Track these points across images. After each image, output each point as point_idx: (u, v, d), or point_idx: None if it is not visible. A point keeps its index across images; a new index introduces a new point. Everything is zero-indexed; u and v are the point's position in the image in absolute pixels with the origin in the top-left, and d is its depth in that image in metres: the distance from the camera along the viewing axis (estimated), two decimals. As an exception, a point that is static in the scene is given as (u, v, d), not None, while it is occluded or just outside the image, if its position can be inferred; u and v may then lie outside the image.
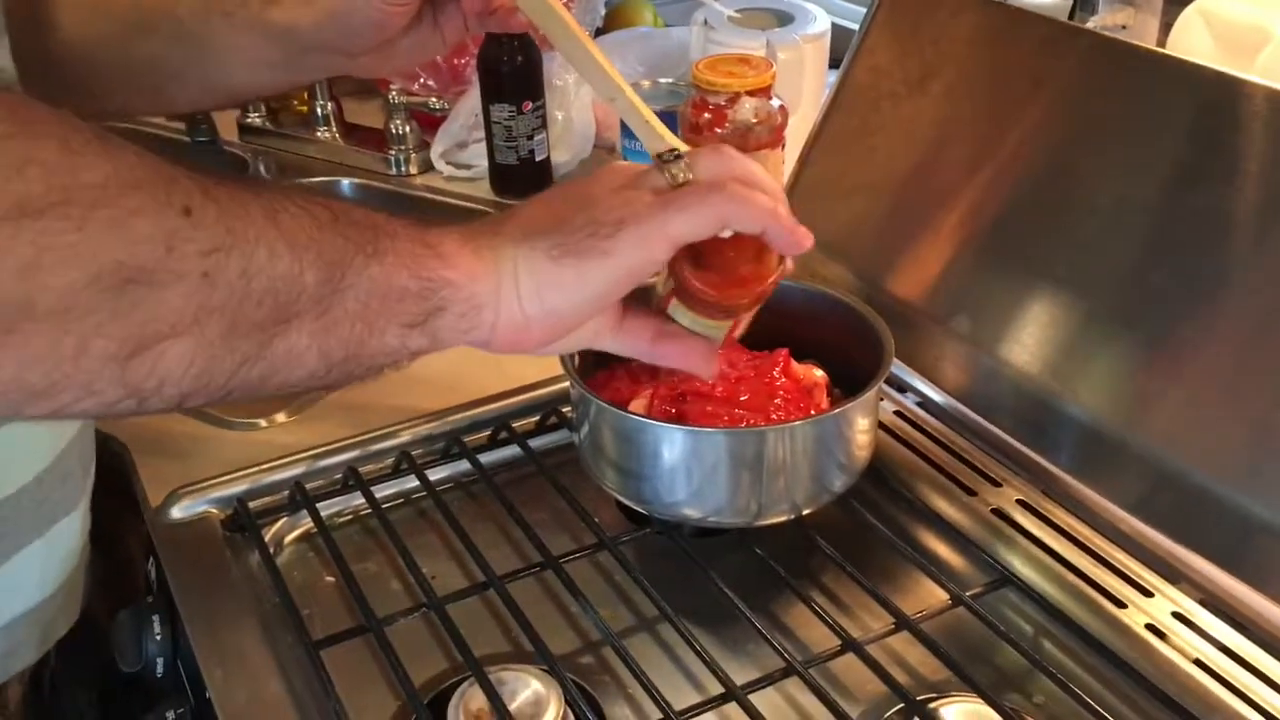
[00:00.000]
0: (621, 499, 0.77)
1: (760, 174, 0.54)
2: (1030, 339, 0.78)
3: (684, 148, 0.56)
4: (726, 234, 0.52)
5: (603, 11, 1.34)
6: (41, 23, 0.72)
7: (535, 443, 0.85)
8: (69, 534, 0.72)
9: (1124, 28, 1.16)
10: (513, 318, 0.51)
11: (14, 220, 0.37)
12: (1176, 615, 0.68)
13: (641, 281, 0.53)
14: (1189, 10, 0.85)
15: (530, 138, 1.19)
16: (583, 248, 0.50)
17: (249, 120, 1.35)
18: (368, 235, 0.47)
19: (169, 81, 0.71)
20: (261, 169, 1.31)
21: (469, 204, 1.23)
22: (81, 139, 0.40)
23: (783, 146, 1.03)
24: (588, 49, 0.60)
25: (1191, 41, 0.84)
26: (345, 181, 1.29)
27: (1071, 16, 1.28)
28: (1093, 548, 0.73)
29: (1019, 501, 0.77)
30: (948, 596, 0.70)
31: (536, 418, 0.87)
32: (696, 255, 0.54)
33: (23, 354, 0.39)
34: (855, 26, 0.95)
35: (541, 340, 0.53)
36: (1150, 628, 0.68)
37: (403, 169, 1.28)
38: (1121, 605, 0.69)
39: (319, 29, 0.66)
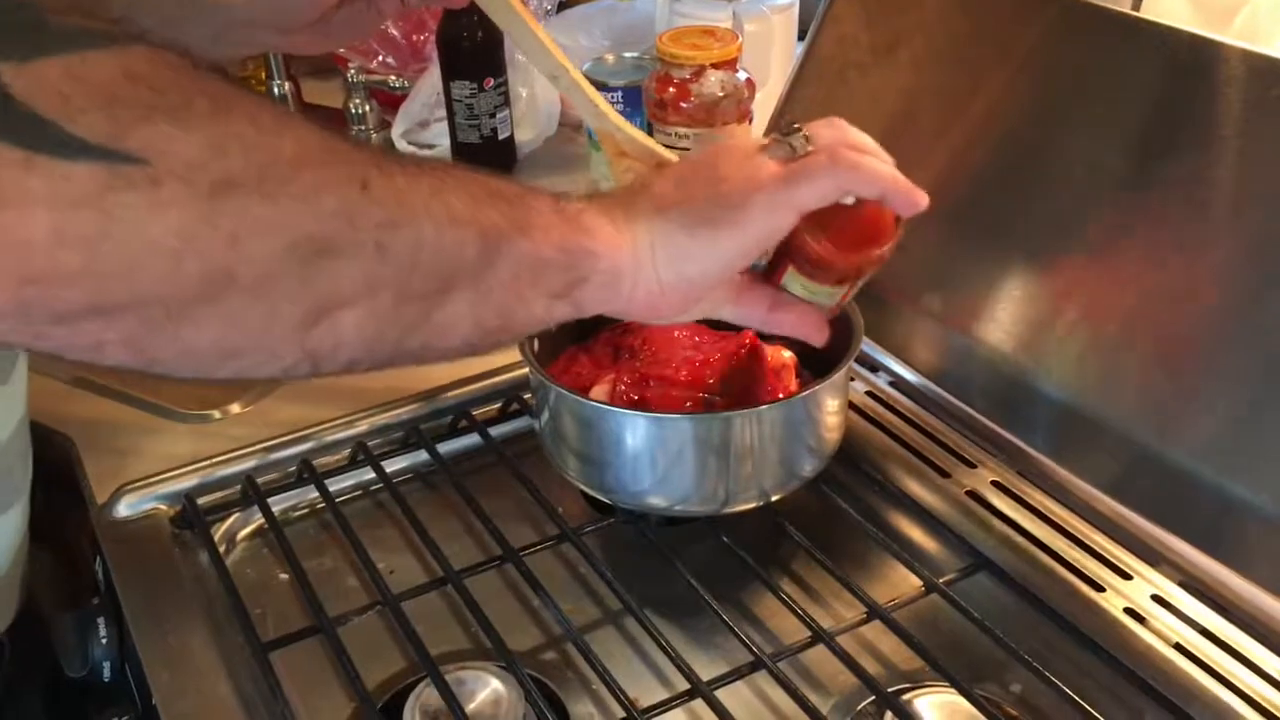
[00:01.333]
0: (585, 488, 0.74)
1: (871, 143, 0.56)
2: (1004, 315, 0.76)
3: (626, 125, 0.59)
4: (849, 200, 0.54)
5: (567, -16, 1.31)
6: None
7: (496, 431, 0.82)
8: (5, 532, 0.69)
9: (1098, -6, 1.13)
10: (649, 286, 0.53)
11: (219, 197, 0.39)
12: (1156, 599, 0.66)
13: (768, 249, 0.56)
14: (1164, -27, 0.83)
15: (493, 115, 1.16)
16: (714, 218, 0.53)
17: (204, 101, 1.31)
18: (519, 210, 0.49)
19: None
20: (218, 152, 1.27)
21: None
22: (269, 116, 0.42)
23: (750, 121, 1.00)
24: (528, 25, 0.61)
25: (1166, 5, 0.82)
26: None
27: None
28: (1070, 530, 0.71)
29: (994, 483, 0.75)
30: (921, 583, 0.68)
31: (498, 405, 0.85)
32: (817, 223, 0.55)
33: (224, 321, 0.41)
34: (822, -3, 0.92)
35: (675, 307, 0.55)
36: (1129, 612, 0.66)
37: (363, 149, 1.25)
38: (1099, 589, 0.67)
39: (250, 5, 0.66)
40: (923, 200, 0.55)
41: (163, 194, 0.38)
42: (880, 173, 0.54)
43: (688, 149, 0.98)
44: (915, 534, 0.75)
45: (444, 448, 0.81)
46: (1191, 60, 0.67)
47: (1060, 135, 0.73)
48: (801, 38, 1.18)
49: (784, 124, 0.56)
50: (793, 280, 0.58)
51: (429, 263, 0.46)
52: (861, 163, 0.54)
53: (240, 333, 0.42)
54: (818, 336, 0.60)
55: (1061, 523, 0.71)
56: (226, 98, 0.41)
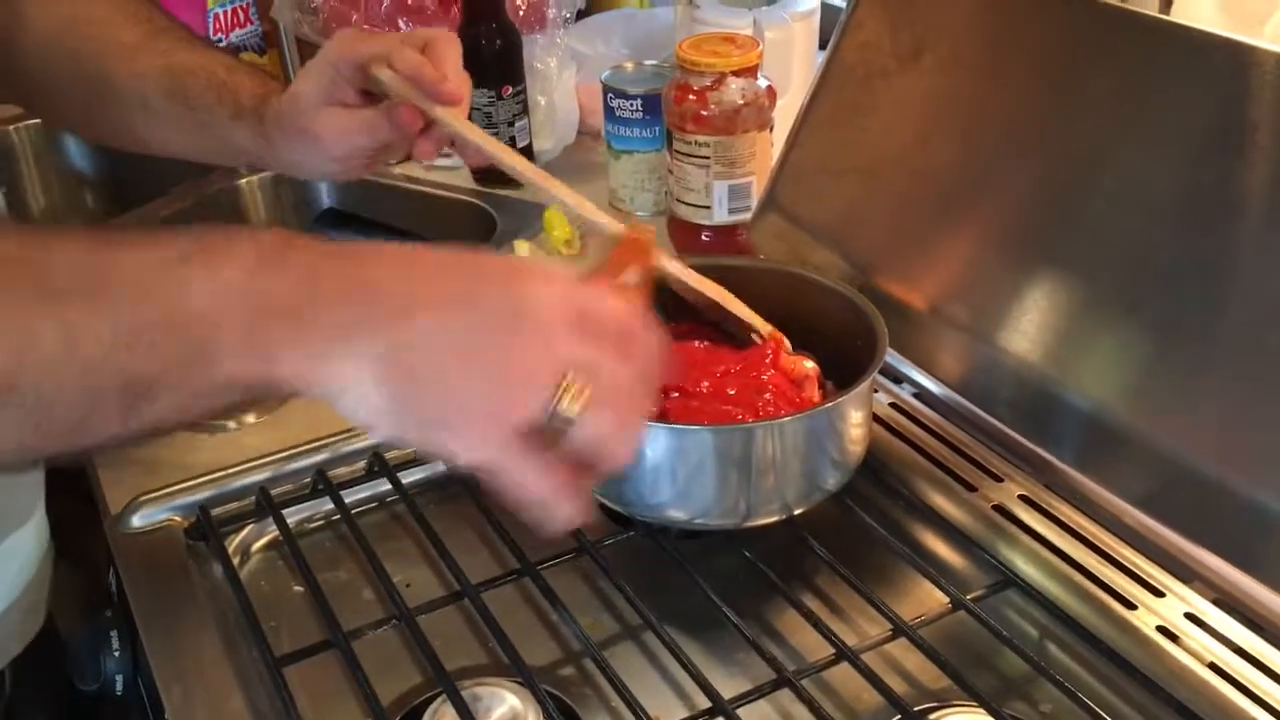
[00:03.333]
0: (603, 501, 0.73)
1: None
2: (1031, 326, 0.74)
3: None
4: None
5: (586, -8, 1.30)
6: (17, 42, 0.73)
7: (514, 442, 0.81)
8: (24, 545, 0.69)
9: (1124, 0, 1.12)
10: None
11: None
12: (1189, 616, 0.64)
13: None
14: (1194, -22, 0.81)
15: (511, 124, 1.15)
16: (428, 427, 0.45)
17: (223, 110, 1.31)
18: (184, 348, 0.42)
19: (113, 129, 0.79)
20: (236, 161, 1.27)
21: (449, 194, 1.19)
22: None
23: (770, 129, 0.99)
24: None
25: (1195, 10, 0.80)
26: (321, 172, 1.25)
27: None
28: (1100, 546, 0.69)
29: (1021, 497, 0.73)
30: (948, 600, 0.67)
31: (516, 415, 0.83)
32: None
33: None
34: (843, 4, 0.91)
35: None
36: (1162, 630, 0.64)
37: (380, 158, 1.24)
38: (1131, 606, 0.65)
39: (274, 163, 0.75)
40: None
41: None
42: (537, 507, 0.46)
43: (707, 158, 0.97)
44: (941, 549, 0.73)
45: (461, 459, 0.79)
46: (1224, 64, 0.66)
47: (1089, 141, 0.72)
48: (823, 46, 1.17)
49: (553, 414, 0.45)
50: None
51: (58, 419, 0.41)
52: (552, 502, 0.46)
53: None
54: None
55: (1091, 538, 0.70)
56: None
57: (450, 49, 0.72)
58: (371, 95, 0.73)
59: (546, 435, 0.45)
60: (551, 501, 0.46)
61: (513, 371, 0.45)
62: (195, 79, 0.75)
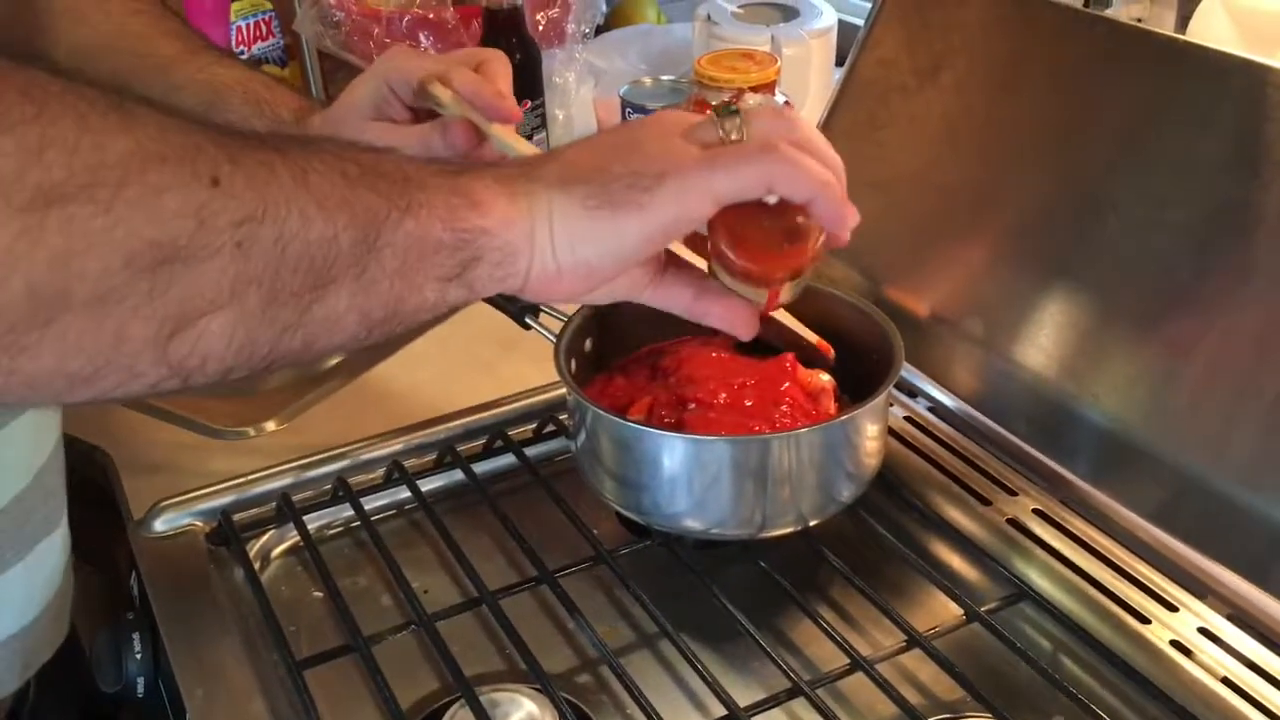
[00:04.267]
0: (620, 510, 0.74)
1: (821, 143, 0.52)
2: (1046, 340, 0.75)
3: None
4: (771, 199, 0.50)
5: (604, 9, 1.31)
6: (55, 59, 0.74)
7: (532, 451, 0.82)
8: (51, 554, 0.69)
9: (1139, 20, 1.12)
10: (545, 266, 0.50)
11: (40, 209, 0.35)
12: (1203, 631, 0.65)
13: (679, 237, 0.52)
14: (1209, -1, 0.82)
15: (530, 137, 1.16)
16: (619, 199, 0.49)
17: (244, 121, 1.32)
18: (399, 189, 0.46)
19: None
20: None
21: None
22: (99, 113, 0.38)
23: (788, 144, 1.00)
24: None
25: (1212, 31, 0.81)
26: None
27: (1085, 7, 1.24)
28: (1114, 560, 0.69)
29: (1035, 511, 0.74)
30: (962, 612, 0.67)
31: (533, 425, 0.84)
32: (734, 220, 0.52)
33: (63, 344, 0.38)
34: (860, 22, 0.92)
35: (574, 290, 0.51)
36: (1175, 644, 0.64)
37: (400, 170, 1.25)
38: (1145, 621, 0.66)
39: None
40: (853, 217, 0.51)
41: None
42: (812, 175, 0.50)
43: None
44: (955, 562, 0.74)
45: (479, 468, 0.80)
46: (1242, 85, 0.66)
47: (1106, 158, 0.73)
48: (839, 62, 1.18)
49: (721, 104, 0.52)
50: (718, 272, 0.55)
51: (298, 258, 0.42)
52: (795, 159, 0.49)
53: (86, 357, 0.39)
54: (745, 331, 0.58)
55: (1106, 552, 0.70)
56: (46, 94, 0.36)
57: (503, 68, 0.74)
58: (416, 112, 0.73)
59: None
60: (820, 176, 0.50)
61: (672, 132, 0.51)
62: (234, 94, 0.75)
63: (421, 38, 1.23)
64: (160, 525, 0.76)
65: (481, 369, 0.92)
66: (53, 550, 0.69)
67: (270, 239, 0.41)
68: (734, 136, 0.50)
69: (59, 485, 0.69)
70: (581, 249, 0.49)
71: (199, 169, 0.39)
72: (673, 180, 0.49)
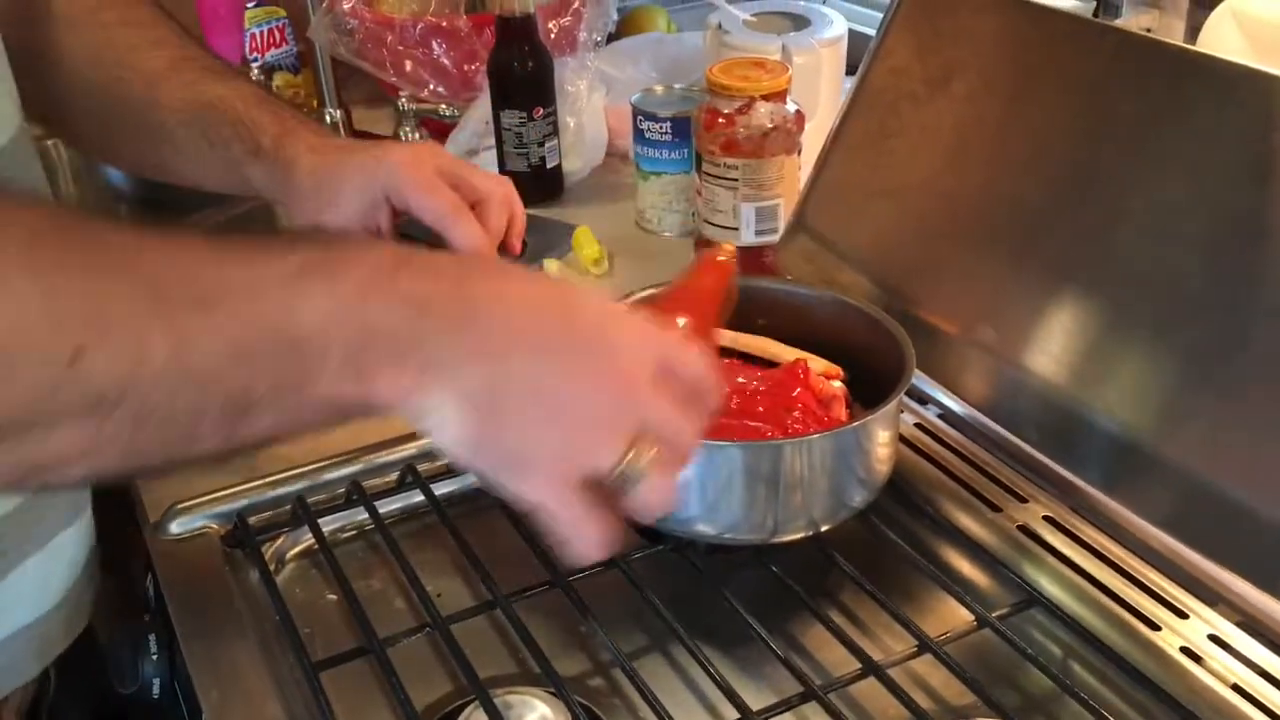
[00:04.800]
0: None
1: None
2: (1057, 348, 0.75)
3: None
4: None
5: (615, 17, 1.32)
6: (47, 64, 0.74)
7: (544, 456, 0.82)
8: (70, 546, 0.70)
9: (1149, 31, 1.13)
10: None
11: None
12: (1213, 638, 0.65)
13: None
14: (1220, 10, 0.83)
15: (541, 145, 1.17)
16: (502, 464, 0.46)
17: (257, 128, 1.33)
18: (291, 365, 0.42)
19: (144, 160, 0.81)
20: (270, 177, 1.29)
21: (479, 212, 1.21)
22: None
23: (798, 152, 1.01)
24: None
25: (1223, 42, 0.82)
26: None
27: (1094, 17, 1.25)
28: (1124, 567, 0.70)
29: (1046, 518, 0.74)
30: (973, 617, 0.67)
31: (546, 430, 0.84)
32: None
33: None
34: (871, 32, 0.92)
35: None
36: (1186, 651, 0.65)
37: (412, 177, 1.26)
38: (1155, 627, 0.66)
39: (292, 210, 0.78)
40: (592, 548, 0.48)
41: None
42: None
43: (735, 180, 0.99)
44: (966, 568, 0.74)
45: (492, 472, 0.81)
46: (1251, 95, 0.67)
47: (1116, 168, 0.73)
48: (850, 71, 1.19)
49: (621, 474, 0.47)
50: None
51: (160, 423, 0.40)
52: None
53: None
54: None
55: (1116, 559, 0.70)
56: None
57: (503, 215, 0.79)
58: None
59: (608, 486, 0.47)
60: (593, 542, 0.48)
61: (593, 424, 0.46)
62: (215, 113, 0.76)
63: (434, 45, 1.24)
64: (176, 527, 0.76)
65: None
66: (71, 542, 0.70)
67: (129, 413, 0.39)
68: (610, 492, 0.47)
69: None
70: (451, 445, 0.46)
71: (60, 340, 0.38)
72: (535, 482, 0.46)
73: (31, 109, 0.66)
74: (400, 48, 1.24)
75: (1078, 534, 0.73)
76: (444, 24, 1.24)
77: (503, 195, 0.80)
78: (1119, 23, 1.15)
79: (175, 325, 0.40)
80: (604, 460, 0.46)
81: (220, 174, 0.79)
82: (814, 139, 1.00)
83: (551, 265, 1.09)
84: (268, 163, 0.76)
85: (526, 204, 1.18)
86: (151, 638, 0.71)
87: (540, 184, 1.19)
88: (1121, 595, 0.68)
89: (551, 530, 0.48)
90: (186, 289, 0.41)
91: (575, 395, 0.46)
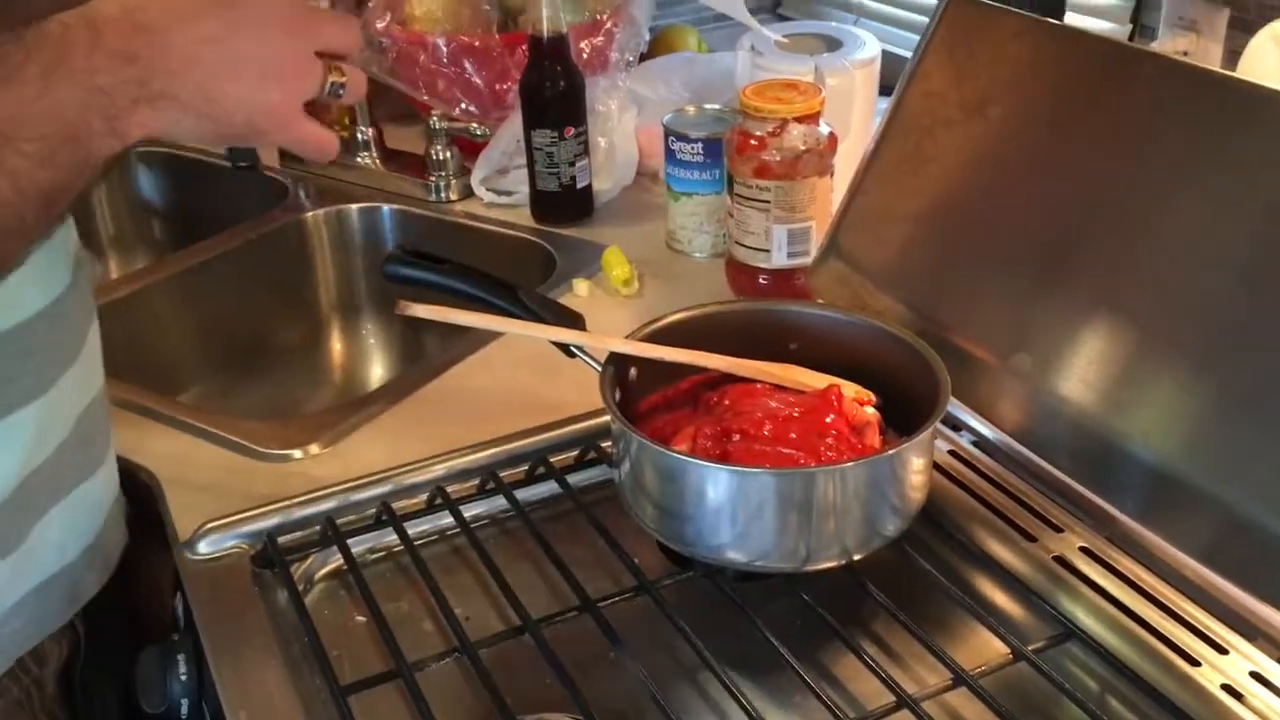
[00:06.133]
0: (663, 540, 0.74)
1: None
2: (1093, 375, 0.74)
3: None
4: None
5: (647, 37, 1.32)
6: None
7: (574, 478, 0.82)
8: (94, 494, 0.74)
9: (1185, 54, 1.12)
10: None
11: None
12: (1254, 675, 0.64)
13: None
14: (1261, 35, 0.82)
15: (572, 164, 1.17)
16: (245, 134, 0.61)
17: (289, 146, 1.34)
18: (75, 152, 0.54)
19: None
20: (301, 194, 1.30)
21: (509, 230, 1.21)
22: None
23: (831, 174, 1.00)
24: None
25: (1263, 67, 0.81)
26: (385, 208, 1.28)
27: (1130, 41, 1.24)
28: (1163, 600, 0.69)
29: (1082, 549, 0.73)
30: (1008, 650, 0.66)
31: (575, 453, 0.84)
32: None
33: None
34: (904, 53, 0.92)
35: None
36: (1226, 688, 0.63)
37: (443, 195, 1.26)
38: (1195, 663, 0.65)
39: None
40: None
41: None
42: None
43: (767, 202, 0.98)
44: (1000, 599, 0.73)
45: (521, 494, 0.80)
46: (1295, 122, 0.66)
47: (1155, 194, 0.72)
48: (882, 94, 1.18)
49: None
50: None
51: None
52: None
53: None
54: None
55: (1154, 592, 0.69)
56: None
57: None
58: None
59: (319, 102, 0.62)
60: (329, 144, 0.64)
61: (293, 66, 0.60)
62: None
63: (466, 64, 1.24)
64: (205, 547, 0.76)
65: (522, 395, 0.93)
66: (96, 490, 0.74)
67: None
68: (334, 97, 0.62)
69: (101, 431, 0.74)
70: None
71: None
72: (275, 132, 0.61)
73: None
74: (433, 66, 1.24)
75: (1115, 565, 0.71)
76: (476, 43, 1.24)
77: None
78: (1155, 46, 1.14)
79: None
80: (312, 86, 0.61)
81: None
82: (846, 160, 0.99)
83: (581, 285, 1.09)
84: None
85: (557, 224, 1.19)
86: (180, 657, 0.71)
87: (571, 203, 1.19)
88: (1160, 629, 0.67)
89: (298, 151, 0.64)
90: None
91: (266, 55, 0.59)
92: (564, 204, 1.19)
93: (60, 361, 0.69)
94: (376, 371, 1.31)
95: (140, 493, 0.85)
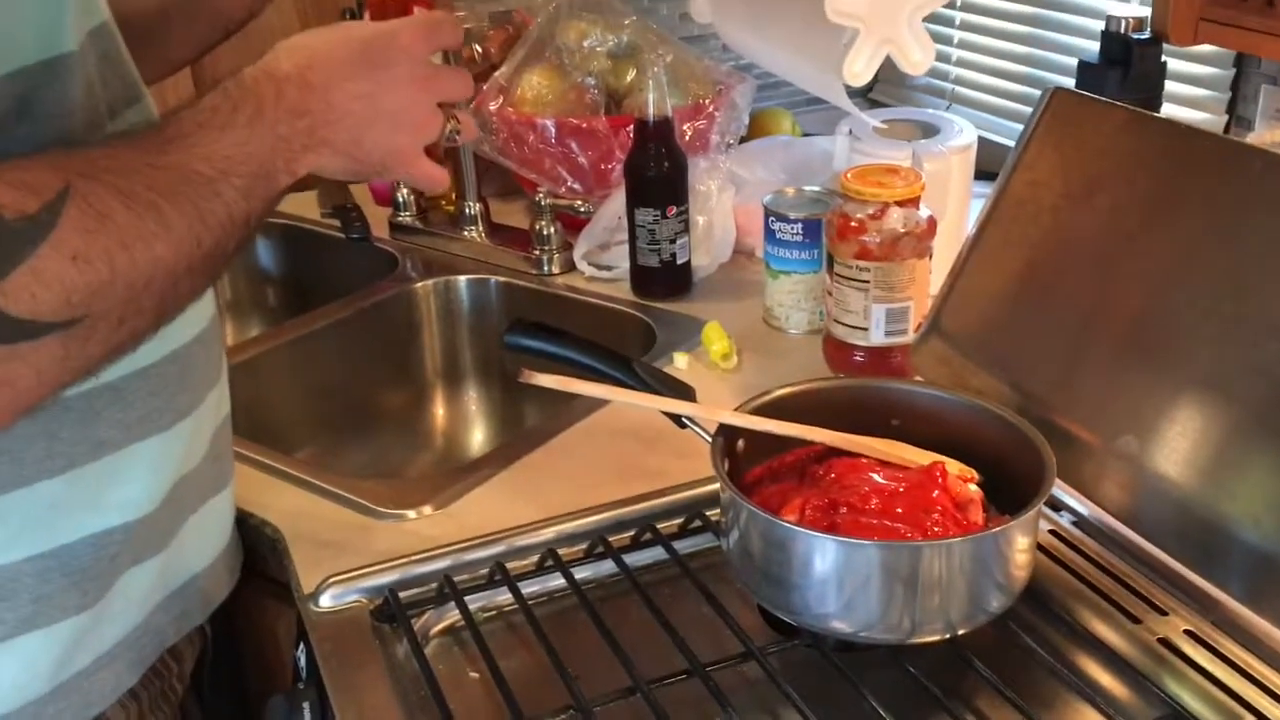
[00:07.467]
0: (769, 608, 0.76)
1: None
2: (1198, 457, 0.75)
3: None
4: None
5: (746, 121, 1.36)
6: None
7: (679, 545, 0.84)
8: (221, 508, 0.83)
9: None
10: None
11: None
12: (1367, 764, 0.64)
13: None
14: (1363, 129, 0.83)
15: (673, 241, 1.21)
16: (379, 170, 0.71)
17: (400, 219, 1.40)
18: (263, 186, 0.64)
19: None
20: (409, 266, 1.35)
21: (609, 304, 1.25)
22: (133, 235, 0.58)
23: (929, 256, 1.03)
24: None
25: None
26: (492, 280, 1.32)
27: (1225, 133, 1.26)
28: (1269, 685, 0.69)
29: (1187, 632, 0.74)
30: (1114, 729, 0.67)
31: (680, 520, 0.87)
32: None
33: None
34: (996, 138, 0.94)
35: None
36: (1338, 776, 0.63)
37: (546, 269, 1.31)
38: (1304, 749, 0.65)
39: None
40: None
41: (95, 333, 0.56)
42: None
43: (867, 282, 1.01)
44: (1105, 679, 0.73)
45: (629, 558, 0.83)
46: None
47: (1263, 283, 0.73)
48: (977, 179, 1.21)
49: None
50: None
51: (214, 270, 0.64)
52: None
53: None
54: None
55: (1260, 677, 0.70)
56: (123, 234, 0.56)
57: None
58: None
59: (439, 146, 0.72)
60: (441, 180, 0.74)
61: (422, 116, 0.70)
62: None
63: (572, 145, 1.29)
64: (328, 600, 0.80)
65: (626, 463, 0.95)
66: (221, 504, 0.83)
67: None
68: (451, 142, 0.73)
69: (227, 450, 0.83)
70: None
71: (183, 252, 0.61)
72: (403, 169, 0.71)
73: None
74: (540, 146, 1.30)
75: (1220, 649, 0.72)
76: (583, 125, 1.29)
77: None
78: (1252, 137, 1.16)
79: (228, 203, 0.62)
80: (434, 133, 0.71)
81: None
82: (942, 241, 1.02)
83: (680, 358, 1.12)
84: None
85: (657, 298, 1.23)
86: (306, 706, 0.74)
87: (670, 279, 1.23)
88: (1268, 715, 0.67)
89: (417, 185, 0.79)
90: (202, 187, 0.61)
91: (401, 108, 0.69)
92: (663, 279, 1.23)
93: (208, 381, 0.77)
94: (477, 437, 1.35)
95: (264, 548, 0.89)
